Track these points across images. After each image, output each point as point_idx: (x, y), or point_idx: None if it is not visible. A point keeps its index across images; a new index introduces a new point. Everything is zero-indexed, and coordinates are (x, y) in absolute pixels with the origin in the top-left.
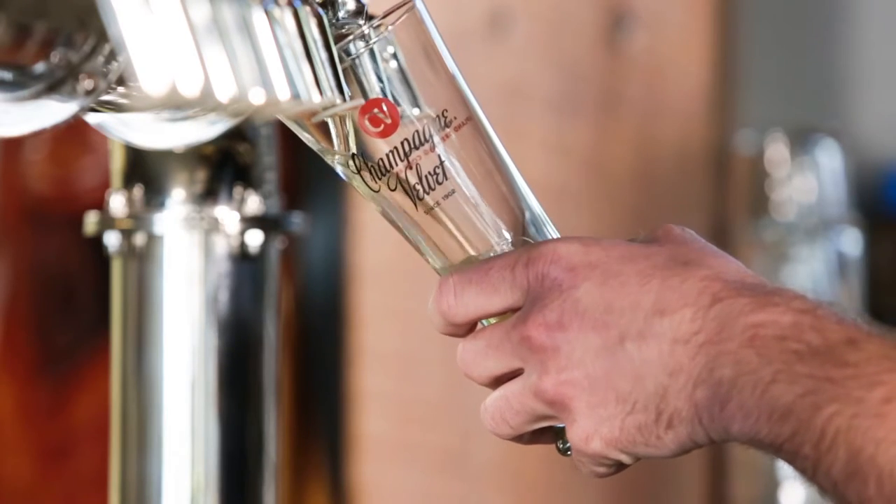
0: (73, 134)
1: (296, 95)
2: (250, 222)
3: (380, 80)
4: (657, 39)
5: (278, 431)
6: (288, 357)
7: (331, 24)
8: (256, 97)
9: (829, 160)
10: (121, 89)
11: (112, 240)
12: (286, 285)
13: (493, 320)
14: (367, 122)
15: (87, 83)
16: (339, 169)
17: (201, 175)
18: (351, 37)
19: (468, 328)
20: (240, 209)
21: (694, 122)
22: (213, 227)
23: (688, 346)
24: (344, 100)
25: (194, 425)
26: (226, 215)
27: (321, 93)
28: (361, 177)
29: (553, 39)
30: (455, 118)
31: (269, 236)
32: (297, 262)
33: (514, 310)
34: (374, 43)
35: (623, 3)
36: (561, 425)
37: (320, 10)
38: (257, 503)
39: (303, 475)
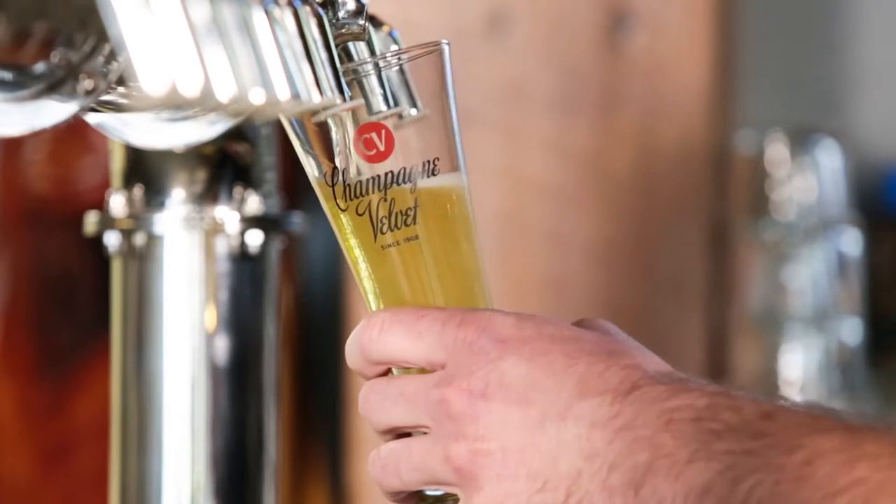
0: (73, 134)
1: (296, 95)
2: (250, 222)
3: (381, 84)
4: (657, 39)
5: (278, 431)
6: (288, 357)
7: (331, 24)
8: (256, 97)
9: (829, 160)
10: (121, 89)
11: (112, 240)
12: (286, 285)
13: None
14: (361, 143)
15: (87, 83)
16: (312, 175)
17: (201, 175)
18: (369, 60)
19: (379, 371)
20: (240, 209)
21: (694, 122)
22: (213, 227)
23: (605, 430)
24: (344, 100)
25: (194, 425)
26: (226, 215)
27: (321, 93)
28: (333, 191)
29: (553, 39)
30: (441, 171)
31: (269, 236)
32: (297, 262)
33: (430, 366)
34: (394, 66)
35: (623, 3)
36: (438, 492)
37: (320, 10)
38: (257, 503)
39: (303, 475)
